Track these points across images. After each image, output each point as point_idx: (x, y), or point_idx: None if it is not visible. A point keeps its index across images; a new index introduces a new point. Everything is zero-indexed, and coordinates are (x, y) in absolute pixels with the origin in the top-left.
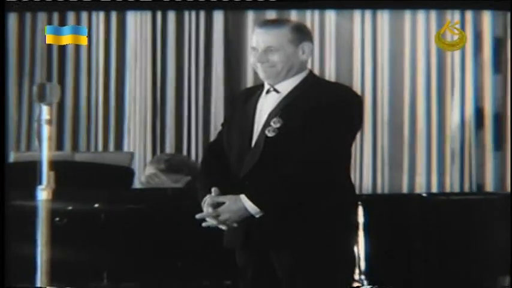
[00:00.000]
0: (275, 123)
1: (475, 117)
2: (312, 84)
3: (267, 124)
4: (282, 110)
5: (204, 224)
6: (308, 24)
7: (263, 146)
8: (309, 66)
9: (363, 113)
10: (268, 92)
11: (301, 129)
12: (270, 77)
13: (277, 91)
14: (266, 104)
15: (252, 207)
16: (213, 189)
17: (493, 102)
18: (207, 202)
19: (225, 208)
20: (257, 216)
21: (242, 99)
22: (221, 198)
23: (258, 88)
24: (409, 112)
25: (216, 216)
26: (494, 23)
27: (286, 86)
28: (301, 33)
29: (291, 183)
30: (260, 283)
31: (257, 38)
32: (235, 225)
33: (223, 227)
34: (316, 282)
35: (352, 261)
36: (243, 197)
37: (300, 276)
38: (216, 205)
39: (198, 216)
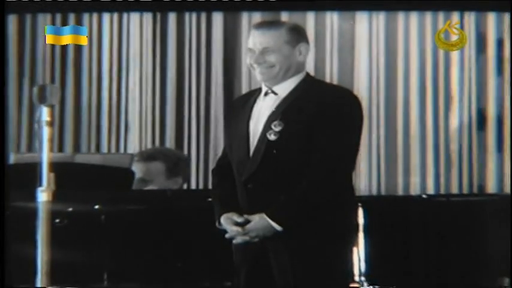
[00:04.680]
0: (276, 127)
1: (476, 119)
2: (311, 86)
3: (267, 127)
4: (283, 113)
5: (234, 241)
6: (307, 24)
7: (265, 149)
8: (308, 66)
9: (363, 113)
10: (266, 94)
11: (304, 132)
12: (267, 79)
13: (275, 93)
14: (265, 107)
15: (276, 225)
16: (236, 216)
17: (496, 103)
18: (231, 222)
19: (253, 226)
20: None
21: (240, 105)
22: (246, 218)
23: (254, 92)
24: (413, 113)
25: (245, 234)
26: (497, 24)
27: (284, 88)
28: (298, 34)
29: (309, 201)
30: (255, 281)
31: (254, 39)
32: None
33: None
34: (313, 282)
35: (350, 262)
36: (265, 216)
37: (297, 276)
38: (242, 224)
39: (227, 236)
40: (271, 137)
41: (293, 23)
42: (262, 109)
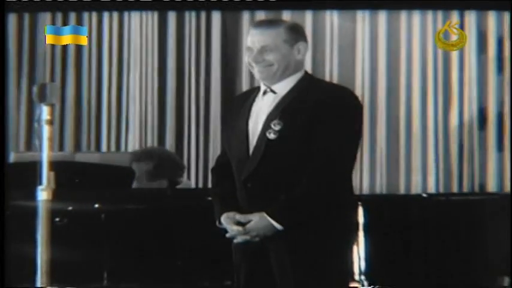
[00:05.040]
0: (275, 126)
1: (477, 118)
2: (309, 85)
3: (266, 126)
4: (282, 112)
5: (235, 241)
6: (306, 24)
7: (264, 148)
8: (308, 66)
9: (362, 112)
10: (264, 93)
11: (303, 131)
12: (266, 77)
13: (273, 92)
14: (263, 106)
15: (277, 224)
16: (237, 215)
17: (496, 102)
18: (231, 221)
19: (253, 226)
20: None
21: (239, 103)
22: (247, 217)
23: (253, 91)
24: (417, 113)
25: (246, 233)
26: (497, 24)
27: (283, 87)
28: (296, 33)
29: (309, 200)
30: (254, 281)
31: (252, 38)
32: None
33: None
34: (313, 282)
35: (350, 261)
36: (266, 215)
37: (297, 275)
38: (243, 223)
39: (228, 235)
40: (271, 136)
41: (292, 22)
42: (261, 108)
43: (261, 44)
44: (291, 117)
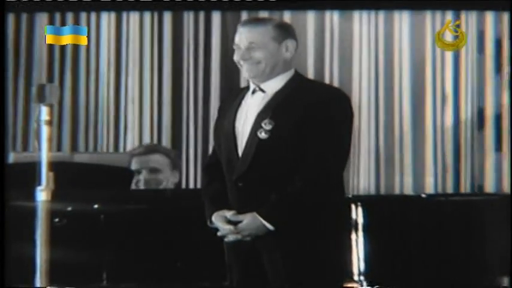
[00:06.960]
0: (266, 125)
1: (475, 118)
2: (300, 85)
3: (257, 125)
4: (273, 111)
5: (226, 239)
6: (307, 24)
7: (255, 147)
8: (309, 66)
9: (353, 111)
10: (253, 92)
11: (295, 131)
12: (254, 76)
13: (263, 91)
14: (253, 105)
15: (269, 224)
16: (228, 214)
17: (494, 102)
18: (222, 220)
19: (245, 225)
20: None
21: (227, 103)
22: (239, 217)
23: (242, 90)
24: (410, 113)
25: (238, 233)
26: (495, 24)
27: (272, 86)
28: (284, 31)
29: (301, 200)
30: (248, 280)
31: (240, 35)
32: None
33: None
34: (305, 281)
35: (343, 261)
36: (258, 215)
37: (289, 274)
38: (234, 222)
39: (219, 233)
40: (262, 135)
41: (280, 20)
42: (250, 107)
43: (249, 41)
44: (282, 117)
